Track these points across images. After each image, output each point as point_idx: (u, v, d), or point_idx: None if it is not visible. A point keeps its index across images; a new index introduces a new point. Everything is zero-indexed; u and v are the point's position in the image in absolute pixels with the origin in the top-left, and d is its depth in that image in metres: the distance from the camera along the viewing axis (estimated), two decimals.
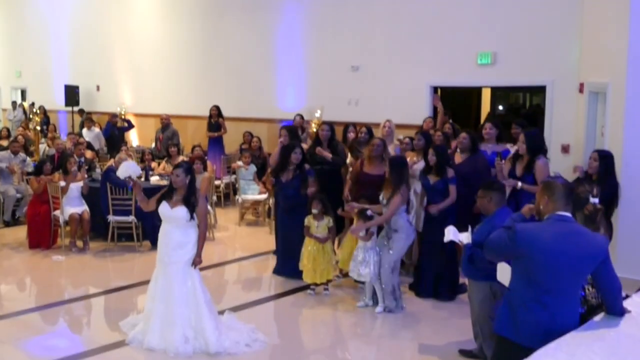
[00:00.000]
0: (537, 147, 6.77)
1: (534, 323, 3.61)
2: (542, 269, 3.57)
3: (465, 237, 4.99)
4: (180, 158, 11.06)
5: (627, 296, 4.20)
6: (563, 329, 3.58)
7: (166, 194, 5.78)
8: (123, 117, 14.80)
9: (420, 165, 7.49)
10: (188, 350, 5.56)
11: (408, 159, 7.57)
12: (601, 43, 8.64)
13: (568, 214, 3.69)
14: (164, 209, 5.72)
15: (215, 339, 5.60)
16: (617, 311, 3.82)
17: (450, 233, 5.08)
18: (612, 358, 3.33)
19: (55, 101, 17.74)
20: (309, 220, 7.14)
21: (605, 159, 6.24)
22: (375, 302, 6.74)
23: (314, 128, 11.35)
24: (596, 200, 4.40)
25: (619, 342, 3.52)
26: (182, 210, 5.64)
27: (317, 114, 12.11)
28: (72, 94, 17.01)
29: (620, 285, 3.82)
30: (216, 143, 12.92)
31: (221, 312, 6.15)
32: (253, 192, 10.75)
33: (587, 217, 4.34)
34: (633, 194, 6.87)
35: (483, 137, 7.91)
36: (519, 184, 6.62)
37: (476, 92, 12.68)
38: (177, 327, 5.60)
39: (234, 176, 11.64)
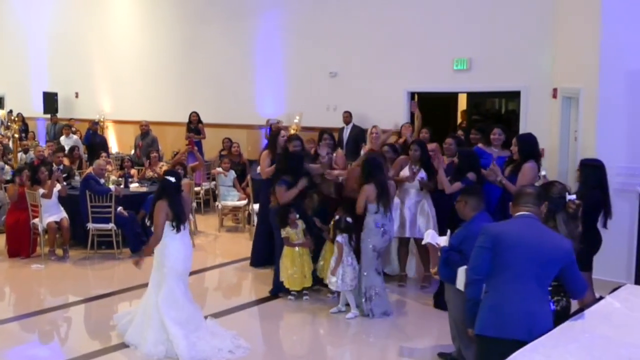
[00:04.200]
0: (529, 151, 6.72)
1: (516, 313, 3.79)
2: (512, 252, 3.83)
3: (443, 241, 5.07)
4: (161, 164, 11.06)
5: (600, 297, 4.32)
6: (541, 317, 3.81)
7: None
8: (102, 123, 14.71)
9: (422, 174, 7.45)
10: (160, 352, 5.62)
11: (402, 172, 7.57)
12: (573, 49, 8.81)
13: (529, 212, 4.00)
14: None
15: (183, 348, 5.54)
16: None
17: (429, 236, 5.18)
18: (587, 359, 3.41)
19: (33, 108, 17.56)
20: (287, 231, 7.04)
21: (585, 167, 6.06)
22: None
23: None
24: (573, 196, 4.55)
25: (593, 343, 3.61)
26: None
27: (296, 120, 12.17)
28: (50, 101, 16.87)
29: (586, 285, 4.09)
30: None
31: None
32: (233, 199, 10.76)
33: (571, 215, 4.46)
34: None
35: (491, 142, 7.93)
36: (499, 177, 6.62)
37: (453, 97, 12.81)
38: (150, 329, 5.69)
39: (213, 182, 11.65)
